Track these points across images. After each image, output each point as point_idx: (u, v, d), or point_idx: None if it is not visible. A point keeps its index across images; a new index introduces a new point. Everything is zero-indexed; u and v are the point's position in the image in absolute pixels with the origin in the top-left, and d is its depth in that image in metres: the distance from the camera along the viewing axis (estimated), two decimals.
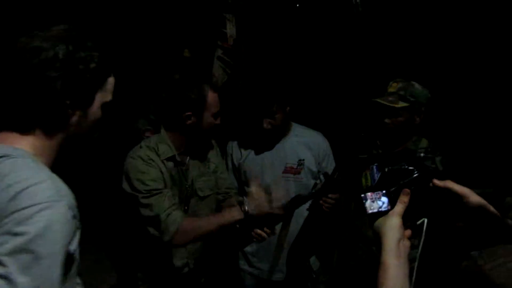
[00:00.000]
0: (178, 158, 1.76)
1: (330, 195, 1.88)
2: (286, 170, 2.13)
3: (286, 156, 2.13)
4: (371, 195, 0.91)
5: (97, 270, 3.43)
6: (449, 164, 1.79)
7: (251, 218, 1.71)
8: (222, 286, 2.25)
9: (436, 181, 0.92)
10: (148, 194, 1.61)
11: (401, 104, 1.90)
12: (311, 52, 3.61)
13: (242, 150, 2.21)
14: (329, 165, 2.16)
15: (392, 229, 0.87)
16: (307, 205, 2.01)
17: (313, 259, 2.24)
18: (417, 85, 1.96)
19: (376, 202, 0.91)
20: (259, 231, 1.72)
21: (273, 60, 3.51)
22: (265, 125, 2.01)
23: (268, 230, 1.73)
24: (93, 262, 3.44)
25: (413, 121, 1.95)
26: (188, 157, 1.82)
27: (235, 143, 2.25)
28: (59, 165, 0.96)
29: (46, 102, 0.86)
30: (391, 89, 1.97)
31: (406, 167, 0.92)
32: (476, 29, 2.81)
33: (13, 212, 0.73)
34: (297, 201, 1.76)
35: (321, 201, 1.90)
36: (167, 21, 3.29)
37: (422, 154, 0.98)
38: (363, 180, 0.95)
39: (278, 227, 1.88)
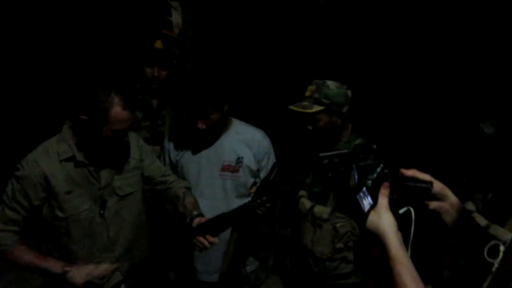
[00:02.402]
0: (79, 158, 1.62)
1: (264, 199, 1.81)
2: (224, 168, 2.05)
3: (224, 153, 2.05)
4: (362, 195, 0.94)
5: None
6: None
7: (192, 227, 1.66)
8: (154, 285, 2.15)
9: (403, 170, 1.00)
10: (5, 201, 1.59)
11: (316, 108, 1.84)
12: (260, 45, 3.55)
13: (180, 146, 2.10)
14: (269, 164, 2.09)
15: (389, 224, 0.91)
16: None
17: (250, 260, 2.19)
18: (332, 85, 1.89)
19: (366, 200, 0.94)
20: (201, 239, 1.62)
21: (221, 51, 3.42)
22: (199, 126, 1.92)
23: (211, 239, 1.62)
24: None
25: (334, 124, 1.89)
26: (98, 157, 1.68)
27: (173, 139, 2.14)
28: None
29: None
30: (307, 93, 1.91)
31: (373, 162, 0.98)
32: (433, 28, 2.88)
33: None
34: (244, 210, 1.67)
35: (255, 204, 1.83)
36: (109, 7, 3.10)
37: (374, 146, 1.02)
38: (351, 181, 0.97)
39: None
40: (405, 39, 2.92)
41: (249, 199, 1.93)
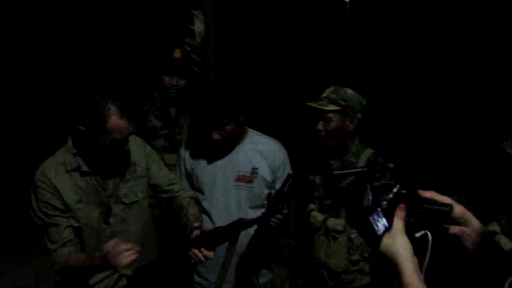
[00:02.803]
0: (84, 168, 1.64)
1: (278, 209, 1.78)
2: (239, 178, 2.03)
3: (239, 163, 2.03)
4: (375, 216, 0.90)
5: None
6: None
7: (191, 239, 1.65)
8: None
9: (421, 192, 0.94)
10: (43, 224, 1.60)
11: (331, 107, 1.85)
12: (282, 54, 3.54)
13: (196, 155, 2.09)
14: (285, 175, 2.04)
15: (404, 248, 0.86)
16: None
17: (263, 272, 2.15)
18: (349, 90, 1.91)
19: (380, 222, 0.90)
20: (195, 251, 1.61)
21: (242, 60, 3.41)
22: (214, 136, 1.90)
23: (205, 252, 1.60)
24: None
25: (345, 128, 1.89)
26: (102, 166, 1.69)
27: (189, 148, 2.13)
28: None
29: None
30: (324, 94, 1.93)
31: (388, 182, 0.93)
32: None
33: None
34: (239, 225, 1.65)
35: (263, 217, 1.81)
36: (133, 16, 3.16)
37: (392, 165, 0.97)
38: (364, 202, 0.94)
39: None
40: (430, 54, 2.85)
41: (263, 210, 1.91)
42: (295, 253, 2.04)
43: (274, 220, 1.83)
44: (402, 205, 0.90)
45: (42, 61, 4.78)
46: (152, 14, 3.07)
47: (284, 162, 2.09)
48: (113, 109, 1.50)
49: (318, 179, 2.03)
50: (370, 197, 0.92)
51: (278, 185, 2.05)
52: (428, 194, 0.95)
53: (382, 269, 1.83)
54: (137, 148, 1.82)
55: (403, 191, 0.93)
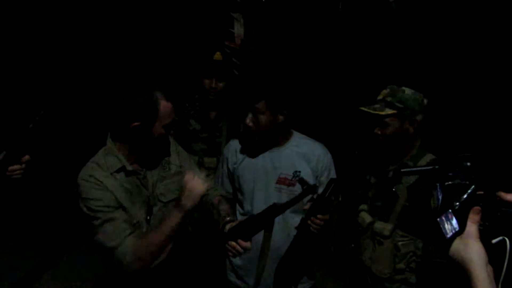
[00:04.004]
0: (129, 168, 1.64)
1: (319, 216, 1.73)
2: (280, 181, 1.99)
3: (281, 166, 2.00)
4: (444, 218, 0.84)
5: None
6: None
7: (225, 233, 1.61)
8: None
9: (502, 194, 0.84)
10: (99, 222, 1.54)
11: (387, 111, 1.74)
12: (321, 56, 3.46)
13: (238, 155, 2.09)
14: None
15: (478, 254, 0.79)
16: (295, 223, 1.87)
17: (304, 279, 2.09)
18: (408, 90, 1.78)
19: (450, 224, 0.83)
20: (233, 243, 1.57)
21: (280, 62, 3.38)
22: (246, 121, 1.88)
23: (243, 244, 1.56)
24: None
25: (405, 131, 1.77)
26: (143, 165, 1.71)
27: (232, 147, 2.13)
28: None
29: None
30: (379, 97, 1.82)
31: (462, 181, 0.87)
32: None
33: None
34: (274, 210, 1.60)
35: (309, 221, 1.75)
36: (173, 20, 3.22)
37: (468, 163, 0.90)
38: (432, 202, 0.88)
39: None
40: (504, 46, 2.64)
41: (304, 215, 1.86)
42: (336, 260, 1.96)
43: (314, 226, 1.78)
44: (477, 208, 0.83)
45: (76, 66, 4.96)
46: (192, 17, 3.11)
47: (329, 166, 2.04)
48: (159, 95, 1.56)
49: (373, 179, 1.97)
50: (440, 197, 0.86)
51: (321, 191, 1.99)
52: (510, 197, 0.85)
53: (428, 283, 1.72)
54: (170, 146, 1.84)
55: (479, 193, 0.85)
